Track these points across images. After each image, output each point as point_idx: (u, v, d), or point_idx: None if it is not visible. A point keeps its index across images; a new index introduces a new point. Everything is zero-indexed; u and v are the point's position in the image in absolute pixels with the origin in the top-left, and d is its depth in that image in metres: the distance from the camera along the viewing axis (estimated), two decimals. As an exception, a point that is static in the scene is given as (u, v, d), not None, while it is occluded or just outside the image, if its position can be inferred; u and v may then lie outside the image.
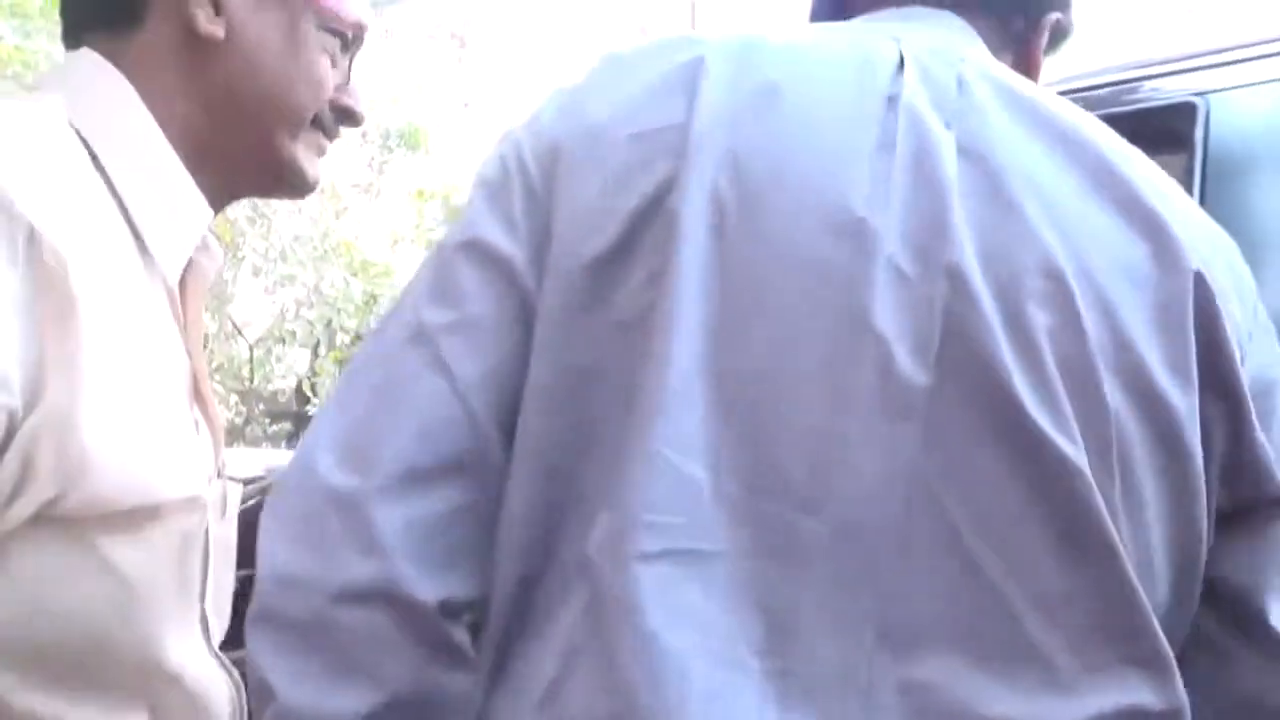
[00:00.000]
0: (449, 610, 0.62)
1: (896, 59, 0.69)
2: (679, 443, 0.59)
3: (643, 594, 0.57)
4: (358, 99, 0.95)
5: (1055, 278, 0.62)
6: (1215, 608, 0.66)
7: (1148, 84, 1.38)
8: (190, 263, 0.88)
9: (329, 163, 1.01)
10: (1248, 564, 0.66)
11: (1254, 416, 0.64)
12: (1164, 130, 1.33)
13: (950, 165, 0.64)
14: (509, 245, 0.65)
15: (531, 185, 0.67)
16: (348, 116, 0.95)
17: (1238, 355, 0.65)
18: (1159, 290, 0.63)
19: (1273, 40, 1.29)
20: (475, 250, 0.66)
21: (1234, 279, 0.69)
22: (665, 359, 0.60)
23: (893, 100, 0.66)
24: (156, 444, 0.79)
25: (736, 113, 0.65)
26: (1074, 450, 0.59)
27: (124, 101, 0.85)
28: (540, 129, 0.69)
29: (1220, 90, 1.29)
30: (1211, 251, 0.67)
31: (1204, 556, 0.64)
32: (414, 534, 0.61)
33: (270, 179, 0.93)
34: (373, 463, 0.62)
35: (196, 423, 0.85)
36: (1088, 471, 0.59)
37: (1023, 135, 0.66)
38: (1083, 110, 0.71)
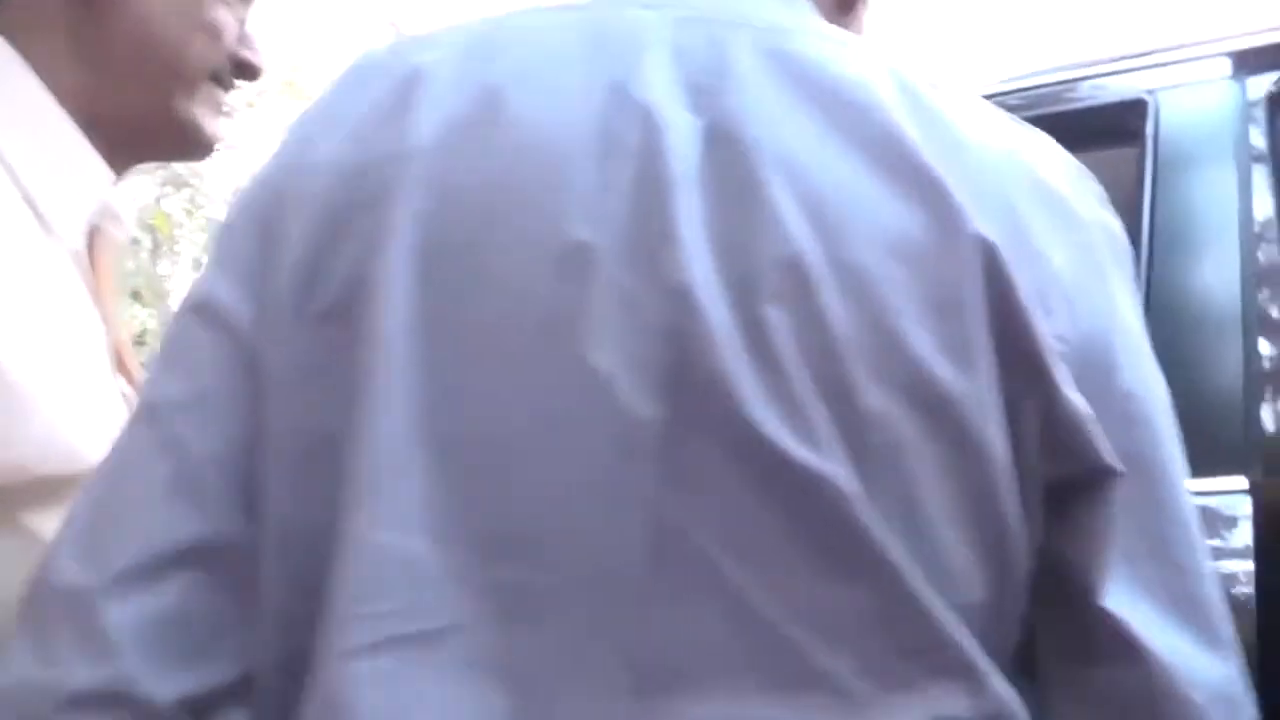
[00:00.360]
0: (192, 706, 0.57)
1: (644, 36, 0.61)
2: (395, 520, 0.55)
3: (358, 694, 0.53)
4: (257, 51, 0.90)
5: (796, 270, 0.55)
6: (1048, 588, 0.60)
7: (1100, 81, 1.47)
8: (98, 231, 0.84)
9: (235, 126, 0.97)
10: (1075, 540, 0.59)
11: (1064, 387, 0.57)
12: (1116, 125, 1.43)
13: (685, 159, 0.56)
14: (239, 304, 0.60)
15: (264, 232, 0.61)
16: (246, 70, 0.90)
17: (1039, 324, 0.57)
18: (935, 264, 0.56)
19: (1216, 40, 1.39)
20: (206, 312, 0.61)
21: (1056, 225, 0.60)
22: (372, 432, 0.55)
23: (626, 89, 0.58)
24: (81, 408, 0.75)
25: (452, 133, 0.58)
26: (824, 464, 0.54)
27: (4, 61, 0.79)
28: (276, 165, 0.63)
29: (1169, 87, 1.38)
30: (1021, 203, 0.59)
31: (1023, 546, 0.58)
32: (148, 630, 0.56)
33: (170, 141, 0.89)
34: (104, 556, 0.58)
35: (124, 395, 0.82)
36: (844, 485, 0.54)
37: (788, 107, 0.58)
38: (888, 67, 0.61)
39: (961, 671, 0.56)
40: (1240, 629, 1.13)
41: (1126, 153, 1.40)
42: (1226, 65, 1.36)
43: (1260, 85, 1.32)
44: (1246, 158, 1.30)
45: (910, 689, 0.55)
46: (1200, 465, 1.19)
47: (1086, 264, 0.60)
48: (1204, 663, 0.58)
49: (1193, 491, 1.20)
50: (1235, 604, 1.15)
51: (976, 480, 0.56)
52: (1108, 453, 0.58)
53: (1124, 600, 0.58)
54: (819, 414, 0.54)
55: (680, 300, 0.55)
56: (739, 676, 0.54)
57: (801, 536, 0.54)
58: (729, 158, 0.57)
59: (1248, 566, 1.15)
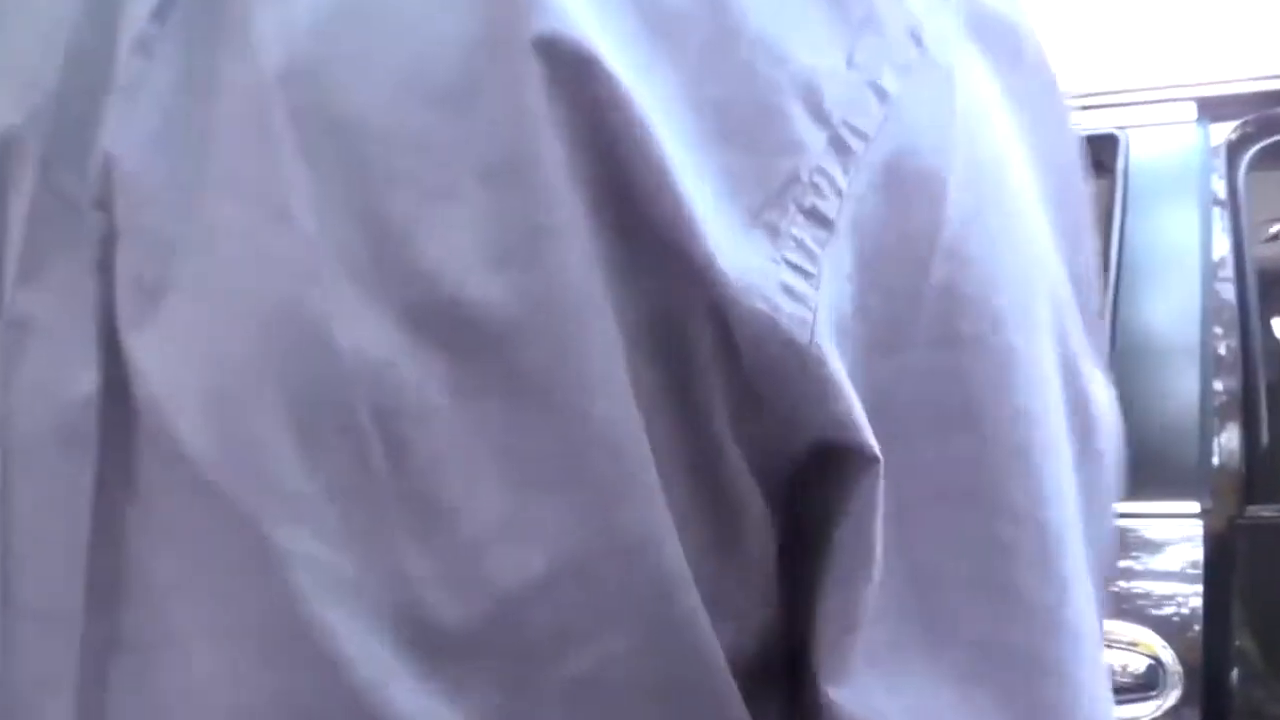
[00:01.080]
0: None
1: None
2: None
3: None
4: None
5: (259, 133, 0.35)
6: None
7: (1074, 115, 1.54)
8: None
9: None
10: (802, 582, 0.35)
11: (745, 299, 0.31)
12: (1088, 157, 1.49)
13: None
14: None
15: None
16: None
17: (699, 186, 0.32)
18: (487, 102, 0.33)
19: (1183, 85, 1.46)
20: None
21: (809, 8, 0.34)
22: None
23: None
24: None
25: None
26: (245, 491, 0.34)
27: None
28: None
29: (1139, 126, 1.45)
30: None
31: (686, 571, 0.33)
32: None
33: None
34: None
35: None
36: (266, 525, 0.34)
37: None
38: None
39: None
40: (1188, 647, 1.20)
41: (1100, 185, 1.47)
42: (1192, 109, 1.42)
43: (1221, 132, 1.39)
44: (1208, 199, 1.36)
45: None
46: (1157, 490, 1.26)
47: (900, 67, 0.33)
48: None
49: (1148, 514, 1.26)
50: (1182, 623, 1.21)
51: (580, 463, 0.32)
52: (851, 420, 0.32)
53: (876, 680, 0.33)
54: (266, 387, 0.34)
55: (109, 201, 0.36)
56: None
57: (246, 597, 0.36)
58: None
59: (1197, 588, 1.22)
